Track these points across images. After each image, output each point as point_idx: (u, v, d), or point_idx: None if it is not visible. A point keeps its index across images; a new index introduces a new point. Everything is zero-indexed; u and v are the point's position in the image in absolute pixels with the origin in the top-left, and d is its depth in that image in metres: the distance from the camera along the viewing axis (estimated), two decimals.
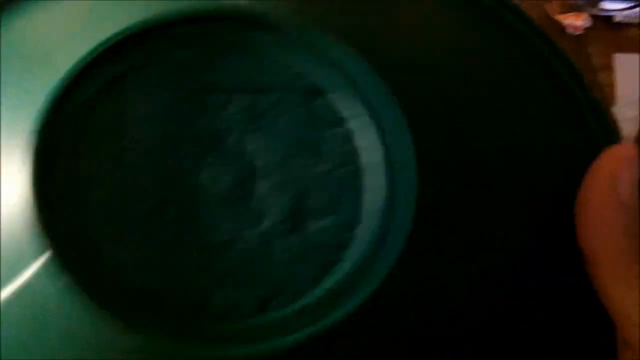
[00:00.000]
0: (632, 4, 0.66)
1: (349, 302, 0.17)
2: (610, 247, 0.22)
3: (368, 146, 0.19)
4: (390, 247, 0.18)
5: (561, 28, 0.65)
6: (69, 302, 0.17)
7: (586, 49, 0.65)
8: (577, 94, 0.23)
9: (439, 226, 0.19)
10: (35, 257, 0.17)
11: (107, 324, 0.17)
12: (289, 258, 0.18)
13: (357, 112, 0.19)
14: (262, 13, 0.19)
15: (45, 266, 0.17)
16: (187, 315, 0.17)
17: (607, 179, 0.22)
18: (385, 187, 0.18)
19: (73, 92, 0.18)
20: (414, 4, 0.23)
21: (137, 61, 0.19)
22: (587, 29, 0.66)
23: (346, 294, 0.17)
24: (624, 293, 0.21)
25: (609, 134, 0.23)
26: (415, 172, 0.18)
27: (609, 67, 0.64)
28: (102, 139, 0.19)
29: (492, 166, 0.20)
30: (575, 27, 0.66)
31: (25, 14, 0.23)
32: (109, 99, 0.19)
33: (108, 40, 0.18)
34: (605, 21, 0.67)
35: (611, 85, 0.63)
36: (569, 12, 0.67)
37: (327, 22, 0.20)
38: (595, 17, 0.67)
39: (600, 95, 0.61)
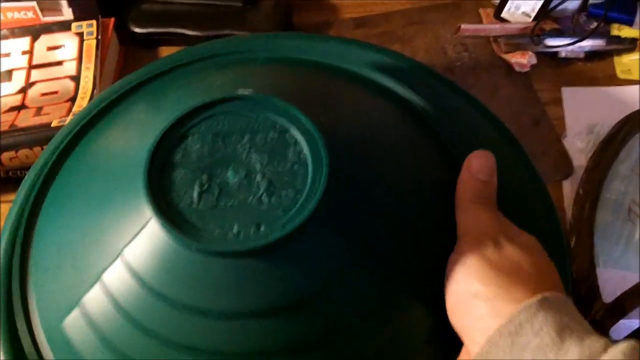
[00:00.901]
0: (575, 39, 0.68)
1: (297, 219, 0.36)
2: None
3: (309, 155, 0.38)
4: (317, 197, 0.36)
5: (509, 65, 0.69)
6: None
7: (534, 84, 0.68)
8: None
9: (344, 192, 0.38)
10: (147, 222, 0.37)
11: (181, 243, 0.36)
12: (272, 206, 0.37)
13: (304, 139, 0.38)
14: (262, 98, 0.39)
15: (152, 226, 0.36)
16: (221, 235, 0.36)
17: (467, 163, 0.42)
18: (314, 174, 0.37)
19: (165, 139, 0.39)
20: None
21: (198, 120, 0.39)
22: (533, 66, 0.69)
23: (295, 218, 0.36)
24: (465, 216, 0.40)
25: None
26: (328, 169, 0.37)
27: (558, 101, 0.67)
28: (182, 161, 0.38)
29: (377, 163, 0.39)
30: (522, 65, 0.69)
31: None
32: (184, 141, 0.39)
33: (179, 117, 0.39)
34: (551, 57, 0.70)
35: (561, 118, 0.66)
36: (514, 50, 0.70)
37: (295, 99, 0.39)
38: (541, 54, 0.70)
39: (550, 128, 0.65)
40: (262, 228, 0.36)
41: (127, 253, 0.37)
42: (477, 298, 0.37)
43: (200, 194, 0.37)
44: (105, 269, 0.38)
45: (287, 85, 0.43)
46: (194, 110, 0.39)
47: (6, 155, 0.59)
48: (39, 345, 0.41)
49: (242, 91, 0.41)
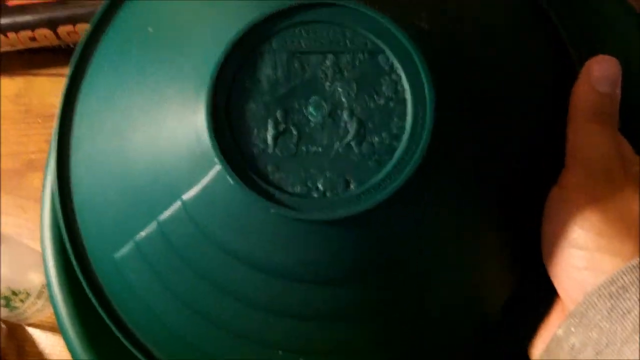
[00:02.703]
0: None
1: (395, 178, 0.29)
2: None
3: (408, 88, 0.30)
4: (421, 146, 0.30)
5: None
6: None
7: None
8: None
9: (453, 134, 0.31)
10: (210, 167, 0.30)
11: (254, 203, 0.30)
12: (363, 155, 0.30)
13: (402, 65, 0.31)
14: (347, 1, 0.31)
15: (216, 172, 0.30)
16: (303, 194, 0.30)
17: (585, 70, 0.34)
18: (415, 115, 0.30)
19: (234, 54, 0.31)
20: None
21: (269, 34, 0.31)
22: None
23: (392, 175, 0.30)
24: (578, 139, 0.34)
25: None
26: (434, 103, 0.30)
27: None
28: (246, 87, 0.31)
29: (493, 95, 0.32)
30: None
31: None
32: (253, 60, 0.31)
33: (255, 19, 0.30)
34: None
35: None
36: None
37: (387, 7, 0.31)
38: None
39: None
40: (352, 186, 0.30)
41: (187, 199, 0.31)
42: (574, 246, 0.32)
43: (276, 136, 0.31)
44: (161, 212, 0.32)
45: None
46: (268, 17, 0.31)
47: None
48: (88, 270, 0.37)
49: None
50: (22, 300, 0.53)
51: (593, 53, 0.35)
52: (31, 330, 0.57)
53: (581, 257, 0.32)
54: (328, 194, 0.30)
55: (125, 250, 0.34)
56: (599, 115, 0.34)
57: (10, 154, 0.62)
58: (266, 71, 0.31)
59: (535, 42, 0.36)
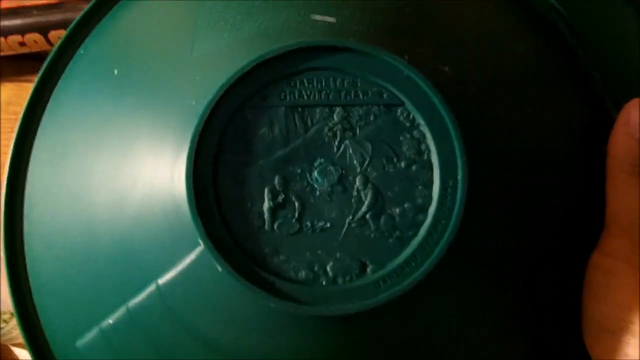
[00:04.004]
0: None
1: (424, 261, 0.24)
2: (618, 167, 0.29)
3: (434, 147, 0.25)
4: (453, 220, 0.24)
5: None
6: (226, 287, 0.24)
7: None
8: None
9: (488, 204, 0.25)
10: (192, 248, 0.24)
11: (244, 293, 0.24)
12: (381, 232, 0.25)
13: (426, 119, 0.25)
14: (358, 44, 0.25)
15: (198, 255, 0.24)
16: (309, 281, 0.24)
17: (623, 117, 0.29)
18: (444, 180, 0.25)
19: (218, 111, 0.25)
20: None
21: (263, 84, 0.25)
22: None
23: (418, 256, 0.24)
24: (619, 197, 0.28)
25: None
26: (467, 166, 0.24)
27: None
28: (235, 150, 0.25)
29: (526, 157, 0.27)
30: None
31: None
32: (241, 118, 0.25)
33: (246, 66, 0.25)
34: None
35: None
36: None
37: (405, 50, 0.25)
38: None
39: None
40: (369, 270, 0.24)
41: (163, 283, 0.26)
42: (628, 331, 0.27)
43: (273, 209, 0.25)
44: (132, 297, 0.26)
45: (387, 12, 0.28)
46: (262, 62, 0.25)
47: None
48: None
49: (319, 17, 0.27)
50: (5, 321, 0.50)
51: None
52: (17, 350, 0.53)
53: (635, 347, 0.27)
54: (339, 281, 0.24)
55: (89, 337, 0.28)
56: None
57: None
58: (261, 129, 0.25)
59: (564, 86, 0.30)
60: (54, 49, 0.32)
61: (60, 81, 0.32)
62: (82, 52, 0.32)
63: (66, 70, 0.32)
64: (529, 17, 0.32)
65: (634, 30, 0.34)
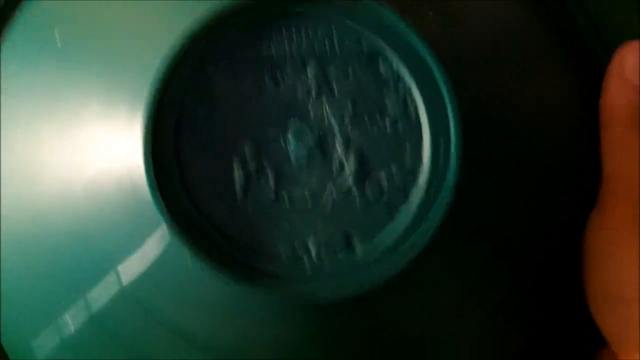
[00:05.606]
0: None
1: (417, 234, 0.21)
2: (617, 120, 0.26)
3: (421, 101, 0.22)
4: (447, 184, 0.22)
5: None
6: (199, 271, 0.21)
7: None
8: None
9: (483, 167, 0.23)
10: (154, 228, 0.21)
11: (218, 277, 0.21)
12: (367, 200, 0.22)
13: (412, 72, 0.22)
14: None
15: (163, 236, 0.21)
16: (289, 260, 0.21)
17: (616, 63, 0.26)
18: (435, 138, 0.22)
19: (179, 67, 0.22)
20: None
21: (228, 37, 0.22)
22: None
23: (411, 228, 0.22)
24: (617, 156, 0.26)
25: None
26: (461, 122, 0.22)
27: None
28: (199, 113, 0.22)
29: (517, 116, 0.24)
30: None
31: None
32: (204, 75, 0.22)
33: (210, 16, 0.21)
34: None
35: None
36: None
37: None
38: None
39: None
40: (356, 244, 0.22)
41: (123, 270, 0.23)
42: (629, 296, 0.25)
43: (245, 181, 0.22)
44: (90, 287, 0.23)
45: None
46: (225, 14, 0.22)
47: None
48: None
49: None
50: None
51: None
52: None
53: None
54: (323, 260, 0.21)
55: (44, 335, 0.25)
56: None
57: None
58: (226, 89, 0.22)
59: (558, 44, 0.28)
60: None
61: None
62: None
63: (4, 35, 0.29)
64: None
65: None
